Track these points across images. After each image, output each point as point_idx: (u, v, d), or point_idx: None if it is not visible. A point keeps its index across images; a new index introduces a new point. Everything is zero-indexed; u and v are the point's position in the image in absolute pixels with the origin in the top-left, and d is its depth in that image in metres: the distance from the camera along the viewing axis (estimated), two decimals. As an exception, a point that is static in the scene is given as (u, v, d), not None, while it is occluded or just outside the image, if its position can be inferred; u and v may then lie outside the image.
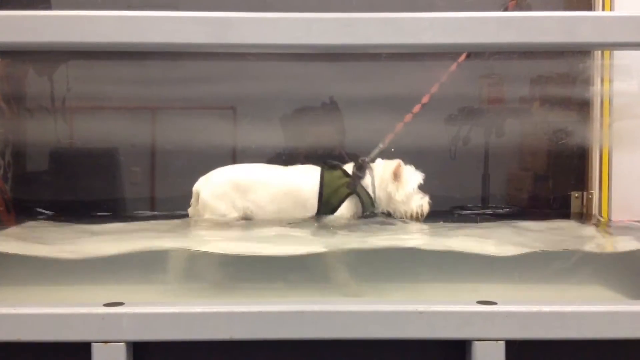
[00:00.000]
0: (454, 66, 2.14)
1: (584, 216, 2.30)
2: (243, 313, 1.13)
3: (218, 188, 1.97)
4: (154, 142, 2.43)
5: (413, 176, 2.02)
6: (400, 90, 2.23)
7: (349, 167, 2.06)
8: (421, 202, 2.02)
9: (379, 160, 2.08)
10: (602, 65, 2.26)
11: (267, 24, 1.24)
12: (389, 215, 2.05)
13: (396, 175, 2.01)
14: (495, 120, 2.42)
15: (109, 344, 1.10)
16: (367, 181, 2.04)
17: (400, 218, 2.03)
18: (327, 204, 2.00)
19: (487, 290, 1.37)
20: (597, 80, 2.28)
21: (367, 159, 2.07)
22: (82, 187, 2.37)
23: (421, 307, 1.14)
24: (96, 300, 1.16)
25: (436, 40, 1.25)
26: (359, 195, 2.02)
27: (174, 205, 2.33)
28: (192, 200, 2.00)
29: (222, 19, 1.25)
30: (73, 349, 1.11)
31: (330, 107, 2.40)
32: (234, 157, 2.39)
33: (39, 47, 1.31)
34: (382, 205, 2.05)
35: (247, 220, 1.98)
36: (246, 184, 1.98)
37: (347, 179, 2.03)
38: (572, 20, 1.25)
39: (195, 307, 1.13)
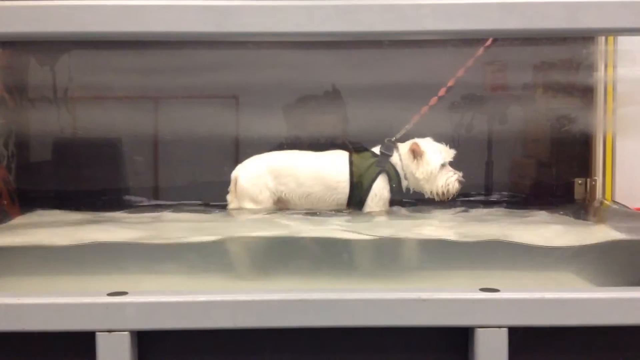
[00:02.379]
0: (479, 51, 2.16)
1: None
2: (247, 302, 1.13)
3: (255, 174, 2.05)
4: (156, 131, 2.43)
5: (437, 154, 2.02)
6: (403, 78, 2.22)
7: (376, 149, 2.09)
8: (449, 180, 2.01)
9: (408, 141, 2.09)
10: (606, 51, 2.25)
11: (268, 12, 1.23)
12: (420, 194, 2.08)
13: (415, 154, 2.02)
14: (498, 107, 2.41)
15: (113, 333, 1.11)
16: (395, 159, 2.06)
17: (430, 197, 2.05)
18: (358, 186, 2.03)
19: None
20: (601, 67, 2.27)
21: (392, 139, 2.09)
22: (85, 177, 2.37)
23: (424, 295, 1.14)
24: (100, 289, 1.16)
25: (438, 27, 1.24)
26: (388, 173, 2.03)
27: (176, 194, 2.34)
28: (231, 187, 2.08)
29: (224, 7, 1.24)
30: (77, 338, 1.12)
31: (333, 95, 2.40)
32: (237, 146, 2.39)
33: (41, 37, 1.31)
34: (411, 185, 2.07)
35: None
36: (281, 170, 2.05)
37: (376, 159, 2.05)
38: (576, 5, 1.24)
39: (199, 296, 1.14)
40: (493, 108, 2.41)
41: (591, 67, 2.27)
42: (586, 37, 2.23)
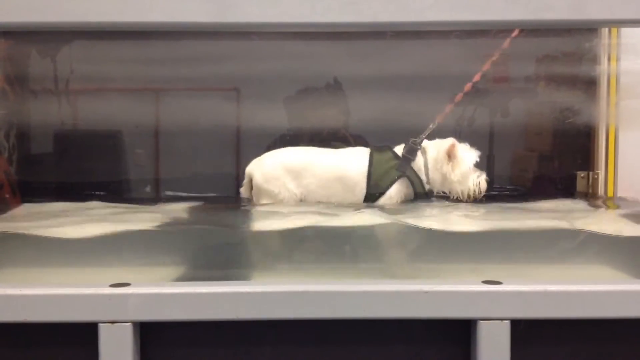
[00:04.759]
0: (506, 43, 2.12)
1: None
2: (248, 293, 1.13)
3: (271, 171, 2.00)
4: (157, 124, 2.43)
5: (468, 154, 2.00)
6: (406, 70, 2.22)
7: (399, 149, 2.04)
8: (478, 180, 1.99)
9: (433, 141, 2.05)
10: (609, 43, 2.24)
11: (270, 2, 1.22)
12: (444, 196, 2.04)
13: (451, 155, 1.98)
14: (501, 100, 2.40)
15: (115, 324, 1.11)
16: (419, 163, 2.01)
17: (457, 198, 2.01)
18: (375, 187, 1.99)
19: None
20: (604, 59, 2.26)
21: (417, 140, 2.04)
22: (86, 169, 2.37)
23: (426, 287, 1.14)
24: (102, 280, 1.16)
25: (441, 17, 1.23)
26: (409, 178, 2.00)
27: (177, 187, 2.34)
28: (245, 182, 2.06)
29: (225, -3, 1.23)
30: (80, 329, 1.12)
31: (334, 87, 2.39)
32: (238, 138, 2.39)
33: (42, 28, 1.30)
34: (436, 187, 2.02)
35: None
36: (298, 168, 2.00)
37: (397, 162, 2.01)
38: (580, -4, 1.24)
39: (201, 288, 1.13)
40: (495, 101, 2.40)
41: (594, 60, 2.27)
42: (589, 29, 2.22)
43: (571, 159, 2.37)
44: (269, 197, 2.00)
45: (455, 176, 1.98)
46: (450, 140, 2.01)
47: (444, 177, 1.99)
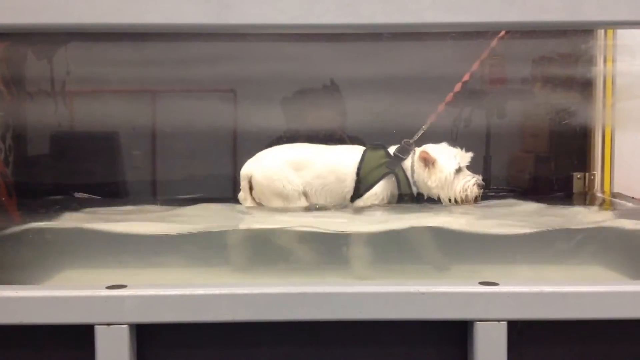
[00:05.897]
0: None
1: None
2: (245, 295, 1.13)
3: (272, 167, 1.99)
4: (154, 125, 2.42)
5: (450, 160, 1.96)
6: (402, 71, 2.22)
7: (394, 149, 2.03)
8: (466, 185, 1.95)
9: (423, 146, 2.03)
10: (605, 45, 2.25)
11: (267, 4, 1.22)
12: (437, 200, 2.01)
13: (426, 161, 1.97)
14: (497, 101, 2.41)
15: (112, 326, 1.10)
16: (407, 163, 2.01)
17: (448, 204, 1.96)
18: (364, 182, 1.98)
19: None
20: (600, 61, 2.27)
21: (410, 141, 2.03)
22: (83, 170, 2.37)
23: (423, 288, 1.14)
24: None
25: (438, 19, 1.24)
26: (397, 176, 1.99)
27: (174, 188, 2.34)
28: (243, 185, 2.00)
29: (222, -1, 1.23)
30: (76, 331, 1.12)
31: (332, 89, 2.39)
32: (235, 140, 2.39)
33: (38, 29, 1.30)
34: (422, 190, 2.01)
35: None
36: (297, 162, 2.00)
37: (387, 159, 2.00)
38: (576, -2, 1.24)
39: (197, 289, 1.13)
40: (491, 102, 2.41)
41: (590, 61, 2.27)
42: (586, 31, 2.22)
43: (568, 160, 2.38)
44: (276, 195, 1.99)
45: (432, 182, 1.96)
46: (421, 149, 2.00)
47: (423, 182, 1.99)
